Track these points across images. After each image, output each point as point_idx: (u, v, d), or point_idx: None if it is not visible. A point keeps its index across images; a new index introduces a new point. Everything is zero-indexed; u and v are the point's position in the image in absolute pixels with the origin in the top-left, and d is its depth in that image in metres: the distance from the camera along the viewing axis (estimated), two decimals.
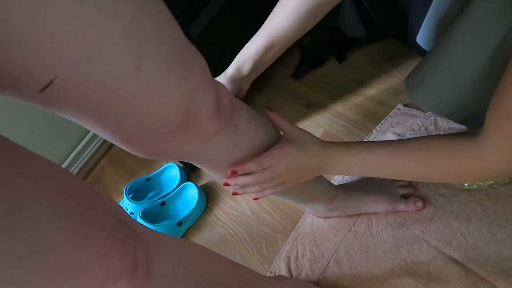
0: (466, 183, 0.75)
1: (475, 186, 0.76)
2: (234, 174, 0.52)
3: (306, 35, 1.21)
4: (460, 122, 0.56)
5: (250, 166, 0.52)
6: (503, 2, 0.41)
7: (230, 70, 0.62)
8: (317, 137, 0.57)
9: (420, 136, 0.51)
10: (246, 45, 0.62)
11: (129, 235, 0.36)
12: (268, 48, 0.59)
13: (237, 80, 0.62)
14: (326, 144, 0.56)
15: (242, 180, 0.54)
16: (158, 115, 0.37)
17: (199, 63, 0.40)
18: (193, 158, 0.50)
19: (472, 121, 0.53)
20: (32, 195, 0.28)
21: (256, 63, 0.61)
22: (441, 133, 0.86)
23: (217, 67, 0.61)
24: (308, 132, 0.57)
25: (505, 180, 0.73)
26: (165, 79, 0.35)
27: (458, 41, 0.47)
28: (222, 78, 0.62)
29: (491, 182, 0.74)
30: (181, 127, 0.40)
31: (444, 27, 0.53)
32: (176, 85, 0.36)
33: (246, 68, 0.61)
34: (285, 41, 0.59)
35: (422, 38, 0.62)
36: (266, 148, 0.55)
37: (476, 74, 0.46)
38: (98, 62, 0.29)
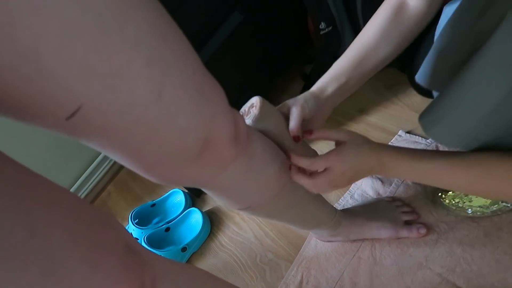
0: None
1: (478, 214, 0.76)
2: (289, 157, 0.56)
3: (308, 63, 1.25)
4: (471, 150, 0.57)
5: (304, 162, 0.54)
6: None
7: (314, 87, 0.61)
8: (368, 139, 0.57)
9: (477, 152, 0.52)
10: (335, 62, 0.61)
11: (137, 261, 0.36)
12: (355, 67, 0.58)
13: (320, 99, 0.60)
14: (377, 147, 0.56)
15: (302, 181, 0.56)
16: (178, 142, 0.37)
17: (217, 91, 0.41)
18: (209, 186, 0.50)
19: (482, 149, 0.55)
20: (47, 222, 0.29)
21: (341, 85, 0.60)
22: None
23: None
24: (359, 135, 0.57)
25: (509, 206, 0.74)
26: (186, 106, 0.36)
27: (475, 81, 0.48)
28: (305, 94, 0.60)
29: (495, 209, 0.74)
30: (199, 154, 0.41)
31: (449, 68, 0.54)
32: (196, 112, 0.37)
33: (331, 89, 0.60)
34: (374, 60, 0.59)
35: (422, 77, 0.62)
36: (280, 174, 0.56)
37: (492, 110, 0.47)
38: (122, 90, 0.30)
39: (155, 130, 0.35)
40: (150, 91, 0.32)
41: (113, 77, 0.30)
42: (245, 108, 0.58)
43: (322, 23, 1.00)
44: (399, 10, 0.59)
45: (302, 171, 0.57)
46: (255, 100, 0.56)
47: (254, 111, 0.55)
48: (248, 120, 0.55)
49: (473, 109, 0.49)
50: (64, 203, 0.32)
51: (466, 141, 0.53)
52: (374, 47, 0.59)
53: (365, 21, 0.97)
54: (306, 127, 0.61)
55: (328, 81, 0.60)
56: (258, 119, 0.55)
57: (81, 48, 0.27)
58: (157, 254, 0.44)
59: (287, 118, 0.59)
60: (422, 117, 0.57)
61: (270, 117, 0.57)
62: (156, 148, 0.37)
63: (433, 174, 0.54)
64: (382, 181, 0.93)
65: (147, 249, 0.43)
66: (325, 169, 0.55)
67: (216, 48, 0.94)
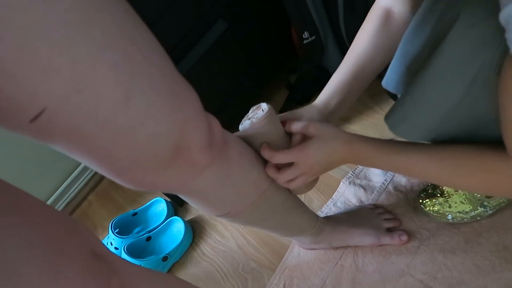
0: (493, 195, 0.74)
1: (458, 219, 0.76)
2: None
3: (293, 73, 1.26)
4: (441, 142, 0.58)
5: (266, 153, 0.54)
6: (471, 44, 0.44)
7: (317, 102, 0.61)
8: (341, 131, 0.57)
9: (453, 145, 0.52)
10: (333, 76, 0.62)
11: (103, 269, 0.35)
12: (354, 79, 0.60)
13: (324, 114, 0.61)
14: (350, 139, 0.56)
15: (272, 175, 0.56)
16: (148, 146, 0.37)
17: (190, 94, 0.40)
18: (185, 191, 0.49)
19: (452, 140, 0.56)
20: (4, 228, 0.28)
21: (344, 98, 0.60)
22: None
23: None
24: (331, 127, 0.56)
25: (488, 212, 0.74)
26: (156, 110, 0.35)
27: (434, 79, 0.49)
28: (310, 108, 0.61)
29: (474, 214, 0.75)
30: (172, 159, 0.40)
31: (412, 71, 0.56)
32: (166, 116, 0.36)
33: (334, 103, 0.61)
34: (370, 70, 0.60)
35: (389, 82, 0.64)
36: (259, 180, 0.56)
37: (455, 104, 0.48)
38: (87, 93, 0.30)
39: (124, 134, 0.34)
40: (117, 94, 0.31)
41: (78, 80, 0.29)
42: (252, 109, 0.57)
43: (305, 32, 1.01)
44: (387, 18, 0.61)
45: (277, 167, 0.57)
46: (264, 106, 0.55)
47: (261, 113, 0.54)
48: (248, 122, 0.55)
49: (435, 106, 0.50)
50: (23, 208, 0.30)
51: (433, 135, 0.54)
52: (369, 57, 0.61)
53: (348, 30, 0.99)
54: None
55: (330, 95, 0.61)
56: (261, 122, 0.54)
57: (43, 50, 0.27)
58: (130, 262, 0.43)
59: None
60: (388, 117, 0.58)
61: (272, 125, 0.56)
62: (125, 152, 0.36)
63: (408, 166, 0.55)
64: (364, 189, 0.93)
65: (120, 257, 0.42)
66: (293, 164, 0.56)
67: (200, 56, 0.93)
